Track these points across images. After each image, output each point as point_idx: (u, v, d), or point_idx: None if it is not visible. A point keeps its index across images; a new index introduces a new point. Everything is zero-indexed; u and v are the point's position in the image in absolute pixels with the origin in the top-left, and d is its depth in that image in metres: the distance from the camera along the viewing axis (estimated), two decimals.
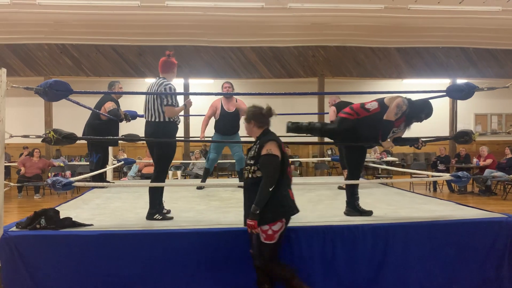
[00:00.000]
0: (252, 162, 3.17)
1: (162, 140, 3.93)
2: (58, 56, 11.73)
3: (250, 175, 3.18)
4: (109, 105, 5.80)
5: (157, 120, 3.90)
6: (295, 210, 3.21)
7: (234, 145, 6.22)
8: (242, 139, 6.41)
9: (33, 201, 9.79)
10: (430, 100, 4.03)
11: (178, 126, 4.07)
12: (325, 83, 12.38)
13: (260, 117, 3.26)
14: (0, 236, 3.25)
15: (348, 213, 4.02)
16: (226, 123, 6.19)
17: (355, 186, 4.05)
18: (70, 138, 3.56)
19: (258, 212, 3.01)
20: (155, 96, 3.89)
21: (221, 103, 6.23)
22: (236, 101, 6.28)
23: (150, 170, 10.66)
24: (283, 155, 3.15)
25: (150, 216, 3.91)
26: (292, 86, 13.20)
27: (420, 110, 3.91)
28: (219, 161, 12.60)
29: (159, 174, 4.04)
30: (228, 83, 6.33)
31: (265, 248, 3.12)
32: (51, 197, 10.29)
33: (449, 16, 10.63)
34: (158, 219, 3.87)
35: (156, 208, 3.93)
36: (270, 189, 3.03)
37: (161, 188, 4.02)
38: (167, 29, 11.35)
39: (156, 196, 3.95)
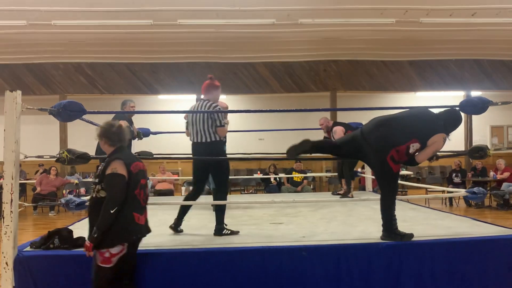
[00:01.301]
0: (97, 180, 3.04)
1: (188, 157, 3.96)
2: (73, 74, 11.95)
3: (94, 194, 3.02)
4: (123, 123, 5.85)
5: (209, 140, 4.02)
6: (139, 234, 3.08)
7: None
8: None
9: (48, 218, 9.87)
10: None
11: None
12: (337, 97, 12.36)
13: (111, 134, 3.11)
14: (15, 256, 3.27)
15: (385, 238, 3.59)
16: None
17: (393, 208, 3.63)
18: (83, 158, 3.61)
19: (96, 235, 2.84)
20: (205, 117, 4.00)
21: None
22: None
23: (164, 186, 10.71)
24: (131, 175, 3.00)
25: (219, 232, 3.99)
26: (304, 101, 13.20)
27: (453, 126, 3.70)
28: (232, 177, 12.57)
29: (221, 192, 4.16)
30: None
31: (100, 271, 2.95)
32: (65, 214, 10.36)
33: (461, 28, 10.57)
34: (227, 234, 3.97)
35: (223, 224, 4.04)
36: (112, 211, 2.86)
37: (225, 206, 4.12)
38: (179, 47, 11.50)
39: (223, 212, 4.07)
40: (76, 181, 11.22)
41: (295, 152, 3.68)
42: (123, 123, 5.87)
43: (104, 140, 3.13)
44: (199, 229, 4.38)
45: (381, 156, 3.52)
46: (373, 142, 3.55)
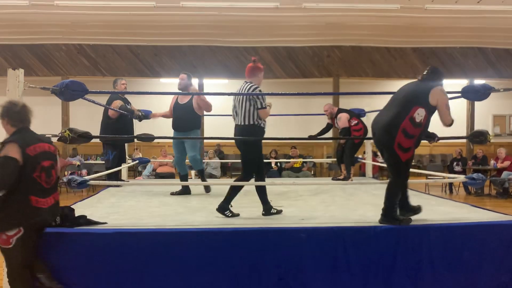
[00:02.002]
0: None
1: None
2: (75, 56, 11.91)
3: None
4: (116, 104, 5.88)
5: (249, 123, 4.03)
6: (38, 218, 3.04)
7: (188, 145, 5.54)
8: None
9: None
10: None
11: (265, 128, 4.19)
12: (340, 83, 12.32)
13: (12, 114, 3.02)
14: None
15: (383, 222, 3.60)
16: (176, 117, 5.57)
17: (398, 196, 3.65)
18: (85, 136, 3.63)
19: None
20: (245, 99, 4.02)
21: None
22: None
23: (164, 169, 10.76)
24: (28, 158, 2.95)
25: (267, 212, 4.08)
26: (306, 86, 13.16)
27: (439, 79, 3.67)
28: (233, 160, 12.64)
29: (246, 175, 4.17)
30: (184, 74, 5.55)
31: (4, 253, 3.00)
32: (67, 195, 10.43)
33: (466, 16, 10.48)
34: (275, 213, 4.07)
35: (269, 203, 4.11)
36: (0, 194, 2.86)
37: (264, 187, 4.16)
38: (182, 29, 11.43)
39: (264, 192, 4.11)
40: (78, 162, 11.28)
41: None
42: (118, 102, 5.92)
43: (5, 120, 3.04)
44: (199, 210, 4.42)
45: (388, 148, 3.54)
46: (379, 139, 3.62)
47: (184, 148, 5.57)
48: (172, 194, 5.49)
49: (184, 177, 5.81)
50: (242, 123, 4.07)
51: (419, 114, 3.45)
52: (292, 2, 9.73)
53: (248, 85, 4.09)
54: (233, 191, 4.07)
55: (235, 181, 4.24)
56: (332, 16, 10.70)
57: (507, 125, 15.07)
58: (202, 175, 5.84)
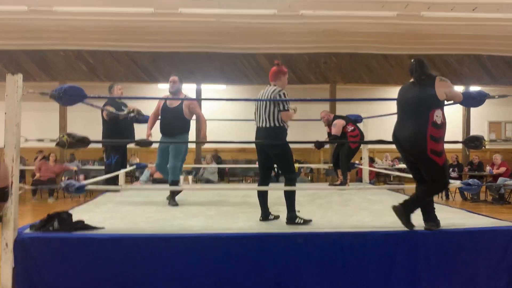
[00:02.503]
0: None
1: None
2: (73, 61, 11.95)
3: None
4: (107, 108, 5.94)
5: (270, 125, 4.03)
6: None
7: (172, 152, 5.22)
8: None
9: (47, 204, 9.92)
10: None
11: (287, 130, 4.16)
12: (337, 90, 12.38)
13: None
14: (15, 237, 3.32)
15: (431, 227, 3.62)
16: (163, 120, 5.30)
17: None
18: (83, 141, 3.64)
19: None
20: (267, 103, 4.02)
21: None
22: (185, 96, 5.41)
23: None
24: None
25: (291, 220, 3.91)
26: (303, 93, 13.22)
27: (427, 69, 3.75)
28: (231, 166, 12.62)
29: (290, 177, 4.08)
30: (174, 76, 5.31)
31: None
32: (64, 200, 10.42)
33: (462, 23, 10.57)
34: (300, 223, 3.88)
35: (295, 211, 3.98)
36: None
37: (293, 192, 4.04)
38: (180, 36, 11.49)
39: (293, 199, 4.00)
40: (75, 168, 11.27)
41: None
42: (111, 108, 5.94)
43: None
44: (197, 215, 4.43)
45: (423, 157, 3.54)
46: (411, 151, 3.62)
47: (166, 153, 5.28)
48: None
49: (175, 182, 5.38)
50: (266, 125, 4.05)
51: (438, 116, 3.52)
52: (289, 9, 9.80)
53: (272, 88, 4.10)
54: (290, 197, 3.99)
55: (285, 187, 4.07)
56: (329, 23, 10.78)
57: (502, 132, 15.16)
58: (176, 185, 5.40)
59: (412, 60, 3.78)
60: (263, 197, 4.16)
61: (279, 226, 3.91)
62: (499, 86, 12.44)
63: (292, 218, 3.92)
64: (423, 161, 3.57)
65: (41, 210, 8.69)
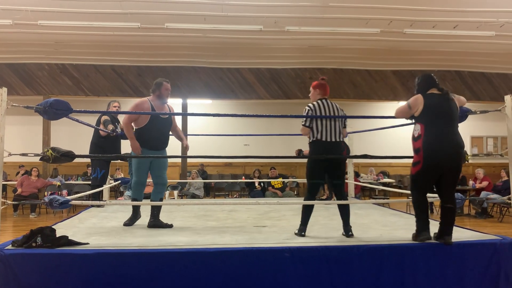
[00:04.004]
0: None
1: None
2: (58, 75, 11.86)
3: None
4: (104, 118, 5.99)
5: (341, 139, 4.14)
6: None
7: (160, 164, 4.80)
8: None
9: (29, 220, 9.72)
10: None
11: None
12: None
13: None
14: None
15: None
16: (156, 132, 4.65)
17: (421, 209, 3.84)
18: (68, 156, 3.60)
19: None
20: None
21: (151, 105, 4.63)
22: (168, 106, 4.85)
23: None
24: None
25: (299, 232, 4.05)
26: (289, 107, 13.31)
27: (425, 84, 3.91)
28: (216, 180, 12.60)
29: (307, 192, 4.22)
30: (168, 83, 4.83)
31: None
32: (47, 216, 10.23)
33: (444, 40, 10.81)
34: (303, 236, 4.01)
35: (303, 225, 4.08)
36: None
37: (308, 207, 4.14)
38: (166, 50, 11.51)
39: (308, 214, 4.11)
40: (58, 183, 11.10)
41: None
42: (105, 117, 5.99)
43: None
44: (183, 230, 4.39)
45: (460, 169, 3.71)
46: (460, 162, 3.71)
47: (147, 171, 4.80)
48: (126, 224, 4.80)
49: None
50: (341, 139, 4.16)
51: (416, 129, 3.75)
52: (275, 25, 9.91)
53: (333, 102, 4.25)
54: (306, 212, 4.12)
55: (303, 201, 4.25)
56: (314, 39, 10.93)
57: (484, 146, 15.44)
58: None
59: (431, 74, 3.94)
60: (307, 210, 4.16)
61: (266, 240, 3.90)
62: (480, 102, 12.70)
63: (301, 230, 4.07)
64: (459, 173, 3.73)
65: (23, 226, 8.52)
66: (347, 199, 4.21)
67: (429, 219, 3.80)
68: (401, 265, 3.55)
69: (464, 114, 4.02)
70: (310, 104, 4.17)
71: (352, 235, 4.01)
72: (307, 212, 4.13)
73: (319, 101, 4.19)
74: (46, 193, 10.92)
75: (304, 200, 4.22)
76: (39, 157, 3.54)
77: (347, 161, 7.54)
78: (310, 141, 4.13)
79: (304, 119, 4.10)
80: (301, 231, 4.06)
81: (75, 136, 11.89)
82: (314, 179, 4.17)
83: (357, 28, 10.17)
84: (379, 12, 9.48)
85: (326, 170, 4.12)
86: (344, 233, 4.06)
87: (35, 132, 12.04)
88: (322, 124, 4.06)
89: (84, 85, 11.90)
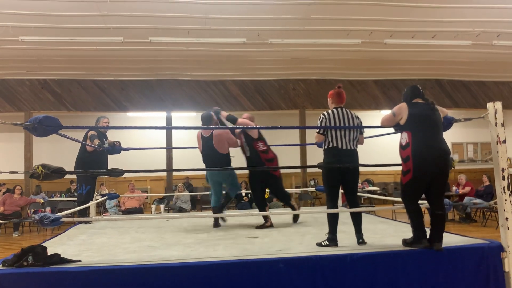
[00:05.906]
0: None
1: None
2: (39, 91, 11.72)
3: None
4: (91, 133, 6.00)
5: (356, 147, 4.19)
6: None
7: (220, 176, 5.79)
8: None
9: (12, 239, 9.52)
10: None
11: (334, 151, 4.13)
12: (306, 115, 12.62)
13: None
14: None
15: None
16: (205, 150, 5.66)
17: (414, 219, 3.88)
18: (59, 172, 3.56)
19: None
20: (357, 125, 4.19)
21: (201, 132, 5.78)
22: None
23: (132, 204, 10.54)
24: None
25: (332, 242, 4.05)
26: (274, 118, 13.41)
27: (411, 94, 4.01)
28: (204, 192, 12.55)
29: (328, 201, 4.24)
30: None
31: None
32: (30, 234, 10.03)
33: (423, 50, 11.07)
34: (325, 245, 4.02)
35: (331, 234, 4.06)
36: None
37: (337, 215, 4.14)
38: (150, 64, 11.51)
39: (335, 221, 4.10)
40: (42, 200, 10.90)
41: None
42: (92, 132, 5.98)
43: None
44: (175, 245, 4.37)
45: (447, 176, 3.79)
46: (448, 169, 3.80)
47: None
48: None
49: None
50: (357, 147, 4.20)
51: (404, 138, 3.81)
52: (258, 38, 10.01)
53: (349, 111, 4.26)
54: (332, 220, 4.11)
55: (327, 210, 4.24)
56: (297, 51, 11.07)
57: (464, 152, 15.77)
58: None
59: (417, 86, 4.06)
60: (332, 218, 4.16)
61: (260, 251, 3.91)
62: (459, 109, 13.00)
63: (327, 239, 4.06)
64: (445, 181, 3.80)
65: (6, 245, 8.34)
66: (359, 207, 4.26)
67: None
68: (394, 272, 3.59)
69: (449, 123, 4.11)
70: (325, 112, 4.20)
71: (362, 242, 4.07)
72: (333, 220, 4.10)
73: (334, 109, 4.24)
74: (29, 211, 10.72)
75: (327, 208, 4.20)
76: (30, 175, 3.50)
77: None
78: (325, 148, 4.17)
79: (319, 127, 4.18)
80: (333, 241, 4.02)
81: (57, 153, 11.75)
82: (331, 184, 4.20)
83: (338, 40, 10.35)
84: (359, 24, 9.68)
85: (342, 177, 4.16)
86: (360, 241, 4.12)
87: (17, 149, 11.84)
88: (337, 132, 4.12)
89: (67, 101, 11.78)
